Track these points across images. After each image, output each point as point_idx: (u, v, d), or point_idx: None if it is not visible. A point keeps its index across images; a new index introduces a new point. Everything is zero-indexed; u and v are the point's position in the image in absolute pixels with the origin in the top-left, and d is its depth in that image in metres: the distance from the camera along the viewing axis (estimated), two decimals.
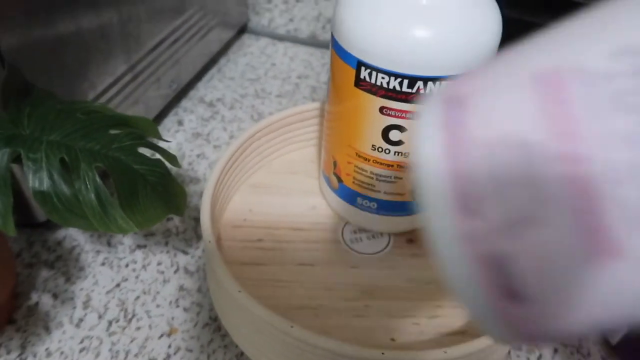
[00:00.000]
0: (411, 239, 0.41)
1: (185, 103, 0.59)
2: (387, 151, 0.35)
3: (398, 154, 0.35)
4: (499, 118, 0.11)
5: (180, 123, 0.56)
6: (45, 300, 0.39)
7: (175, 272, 0.41)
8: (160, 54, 0.52)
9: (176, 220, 0.45)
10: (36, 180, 0.27)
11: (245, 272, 0.38)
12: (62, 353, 0.36)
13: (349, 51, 0.33)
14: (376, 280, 0.38)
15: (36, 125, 0.30)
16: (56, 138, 0.30)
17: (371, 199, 0.39)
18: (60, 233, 0.44)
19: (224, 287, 0.31)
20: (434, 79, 0.31)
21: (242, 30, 0.72)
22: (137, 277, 0.41)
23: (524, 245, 0.11)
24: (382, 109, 0.33)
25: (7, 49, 0.34)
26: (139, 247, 0.43)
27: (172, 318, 0.38)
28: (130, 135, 0.32)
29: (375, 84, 0.32)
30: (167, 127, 0.55)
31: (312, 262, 0.39)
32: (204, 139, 0.54)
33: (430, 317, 0.36)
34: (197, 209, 0.46)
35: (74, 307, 0.38)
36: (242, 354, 0.36)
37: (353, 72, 0.33)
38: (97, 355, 0.36)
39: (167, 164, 0.34)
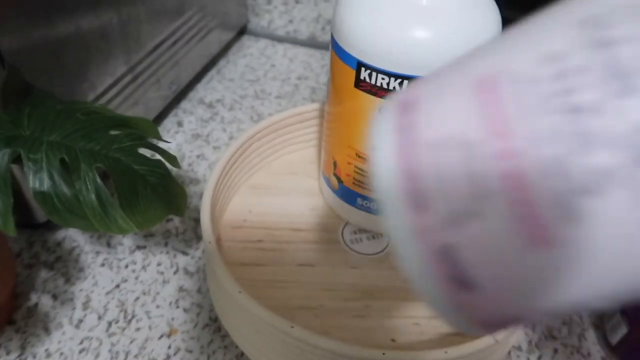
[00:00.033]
0: None
1: (184, 104, 0.59)
2: None
3: None
4: (443, 120, 0.12)
5: (179, 124, 0.56)
6: (45, 301, 0.39)
7: (175, 272, 0.41)
8: (160, 55, 0.52)
9: (176, 221, 0.45)
10: (36, 180, 0.27)
11: (245, 273, 0.38)
12: (61, 354, 0.36)
13: (349, 52, 0.33)
14: (376, 280, 0.38)
15: (36, 125, 0.30)
16: (56, 138, 0.30)
17: (371, 200, 0.39)
18: (60, 234, 0.44)
19: (224, 288, 0.31)
20: None
21: (242, 31, 0.72)
22: (136, 277, 0.41)
23: (467, 237, 0.12)
24: None
25: (7, 49, 0.34)
26: (139, 247, 0.43)
27: (172, 319, 0.38)
28: (130, 136, 0.32)
29: (375, 85, 0.32)
30: (166, 128, 0.55)
31: (312, 263, 0.39)
32: (204, 140, 0.54)
33: (430, 317, 0.36)
34: (197, 210, 0.46)
35: (74, 308, 0.38)
36: (242, 354, 0.36)
37: (353, 73, 0.33)
38: (97, 356, 0.36)
39: (167, 164, 0.34)
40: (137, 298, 0.39)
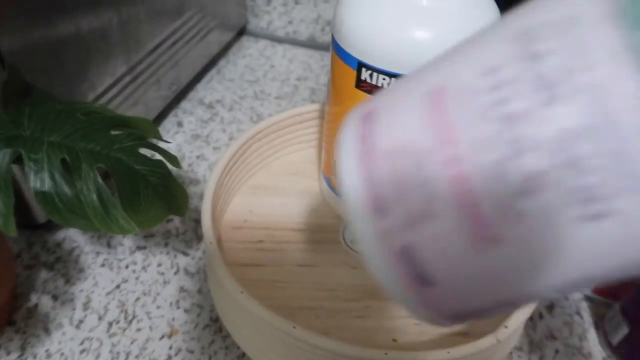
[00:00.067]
0: None
1: (184, 104, 0.59)
2: None
3: None
4: (398, 131, 0.13)
5: (179, 124, 0.56)
6: (45, 302, 0.39)
7: (176, 273, 0.41)
8: (160, 55, 0.52)
9: (176, 221, 0.45)
10: (38, 180, 0.27)
11: (245, 273, 0.38)
12: (62, 354, 0.36)
13: (349, 52, 0.33)
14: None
15: (36, 125, 0.30)
16: (57, 139, 0.30)
17: None
18: (60, 234, 0.44)
19: (225, 289, 0.31)
20: None
21: (241, 32, 0.72)
22: (137, 278, 0.41)
23: (423, 238, 0.13)
24: None
25: (7, 50, 0.34)
26: (139, 248, 0.43)
27: (173, 319, 0.38)
28: (131, 136, 0.32)
29: (376, 85, 0.32)
30: (166, 129, 0.55)
31: (312, 263, 0.39)
32: (204, 141, 0.54)
33: None
34: (197, 211, 0.46)
35: (74, 309, 0.38)
36: (243, 354, 0.36)
37: (354, 73, 0.33)
38: (98, 356, 0.35)
39: (168, 164, 0.34)
40: (138, 298, 0.39)
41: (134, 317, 0.38)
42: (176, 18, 0.54)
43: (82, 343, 0.36)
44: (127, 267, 0.41)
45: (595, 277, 0.12)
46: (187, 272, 0.41)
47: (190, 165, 0.51)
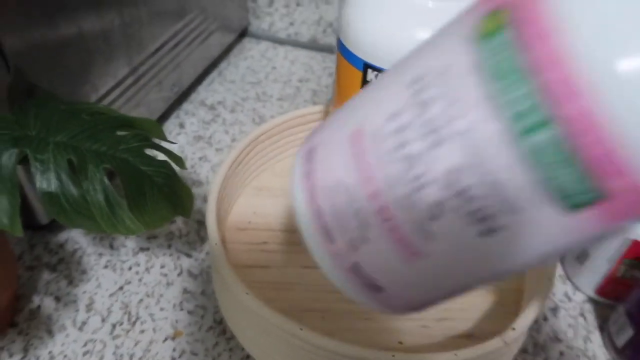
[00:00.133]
0: None
1: (186, 106, 0.59)
2: None
3: None
4: (331, 170, 0.15)
5: (181, 126, 0.56)
6: (48, 303, 0.38)
7: (179, 275, 0.41)
8: (162, 57, 0.52)
9: (179, 223, 0.45)
10: (44, 181, 0.27)
11: (250, 275, 0.38)
12: (65, 356, 0.35)
13: (355, 53, 0.33)
14: None
15: (42, 126, 0.30)
16: (63, 139, 0.29)
17: None
18: (62, 236, 0.43)
19: (230, 290, 0.31)
20: None
21: (243, 34, 0.72)
22: (140, 280, 0.40)
23: (365, 257, 0.15)
24: None
25: (11, 51, 0.34)
26: (142, 249, 0.43)
27: (176, 321, 0.38)
28: (136, 137, 0.32)
29: None
30: (168, 130, 0.55)
31: (317, 265, 0.39)
32: (206, 142, 0.54)
33: (437, 320, 0.36)
34: (200, 212, 0.46)
35: (77, 310, 0.38)
36: (247, 356, 0.36)
37: (360, 74, 0.33)
38: (101, 358, 0.35)
39: (173, 165, 0.34)
40: (141, 300, 0.39)
41: (137, 318, 0.38)
42: (178, 20, 0.54)
43: (85, 345, 0.36)
44: (130, 268, 0.41)
45: (504, 273, 0.15)
46: (190, 273, 0.41)
47: (192, 166, 0.51)
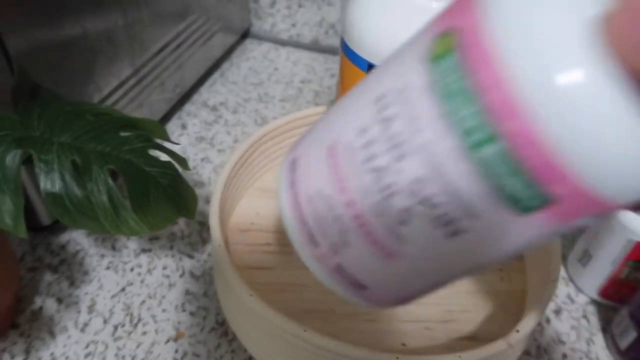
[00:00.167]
0: None
1: (188, 107, 0.59)
2: None
3: None
4: (312, 180, 0.17)
5: (184, 127, 0.56)
6: (50, 305, 0.38)
7: (181, 276, 0.41)
8: (164, 58, 0.52)
9: (181, 224, 0.45)
10: (48, 181, 0.27)
11: (253, 276, 0.38)
12: (67, 358, 0.35)
13: (359, 54, 0.33)
14: None
15: (46, 126, 0.30)
16: (67, 140, 0.29)
17: None
18: (64, 237, 0.43)
19: (233, 292, 0.31)
20: None
21: (245, 35, 0.72)
22: (142, 281, 0.40)
23: (347, 259, 0.17)
24: None
25: (15, 52, 0.34)
26: (144, 251, 0.43)
27: (179, 322, 0.38)
28: (140, 138, 0.32)
29: None
30: (171, 131, 0.55)
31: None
32: (208, 143, 0.54)
33: (441, 322, 0.35)
34: (202, 213, 0.46)
35: (79, 312, 0.38)
36: (250, 358, 0.36)
37: (364, 74, 0.33)
38: None
39: (176, 166, 0.34)
40: (143, 301, 0.39)
41: (139, 320, 0.38)
42: (180, 21, 0.54)
43: (87, 346, 0.36)
44: (132, 269, 0.41)
45: (476, 268, 0.16)
46: (192, 274, 0.41)
47: (194, 167, 0.51)
